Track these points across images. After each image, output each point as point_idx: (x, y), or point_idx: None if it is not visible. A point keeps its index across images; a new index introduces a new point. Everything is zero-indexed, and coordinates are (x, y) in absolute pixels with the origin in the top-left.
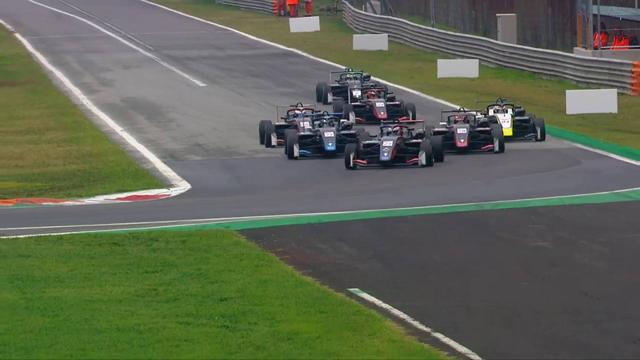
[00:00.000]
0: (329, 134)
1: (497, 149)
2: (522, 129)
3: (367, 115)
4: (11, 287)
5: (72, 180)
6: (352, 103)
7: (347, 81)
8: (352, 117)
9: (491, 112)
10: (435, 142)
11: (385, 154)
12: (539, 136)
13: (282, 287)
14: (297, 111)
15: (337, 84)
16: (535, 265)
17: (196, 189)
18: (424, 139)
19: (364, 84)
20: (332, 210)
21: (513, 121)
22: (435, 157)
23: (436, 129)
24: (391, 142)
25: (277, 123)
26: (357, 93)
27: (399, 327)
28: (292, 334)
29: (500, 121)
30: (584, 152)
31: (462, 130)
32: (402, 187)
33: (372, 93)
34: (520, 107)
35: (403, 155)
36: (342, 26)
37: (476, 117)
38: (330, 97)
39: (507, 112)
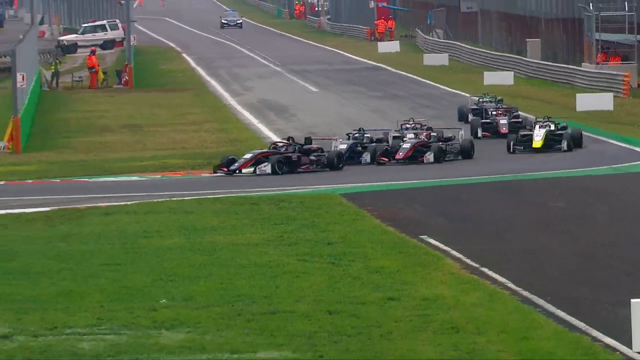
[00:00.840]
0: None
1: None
2: (554, 141)
3: (493, 130)
4: (179, 234)
5: None
6: (482, 121)
7: (484, 104)
8: (479, 132)
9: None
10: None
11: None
12: (565, 147)
13: (372, 235)
14: (407, 125)
15: (475, 106)
16: (554, 220)
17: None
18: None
19: (497, 106)
20: (407, 180)
21: (545, 136)
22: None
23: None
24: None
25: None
26: (503, 121)
27: (456, 263)
28: (379, 268)
29: (534, 135)
30: (588, 138)
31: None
32: (453, 169)
33: (500, 112)
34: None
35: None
36: (415, 48)
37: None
38: (470, 117)
39: (546, 127)
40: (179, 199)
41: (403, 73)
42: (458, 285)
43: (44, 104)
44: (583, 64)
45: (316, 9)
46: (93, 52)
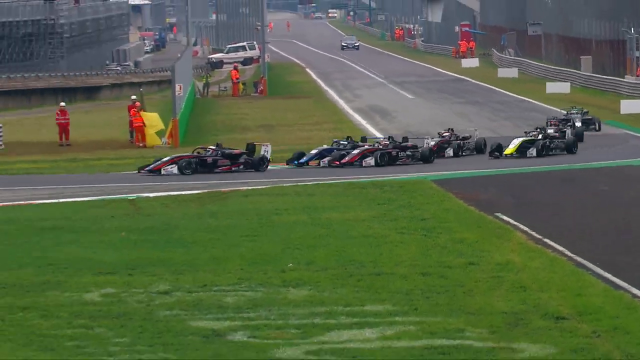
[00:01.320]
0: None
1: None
2: (588, 124)
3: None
4: (303, 212)
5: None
6: None
7: (571, 115)
8: None
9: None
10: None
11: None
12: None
13: (456, 213)
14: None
15: (564, 117)
16: (601, 201)
17: None
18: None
19: (583, 117)
20: (484, 169)
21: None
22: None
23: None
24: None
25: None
26: (578, 123)
27: (523, 235)
28: (462, 239)
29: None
30: (630, 135)
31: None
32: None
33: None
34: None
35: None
36: (491, 64)
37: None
38: None
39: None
40: (303, 184)
41: (481, 83)
42: (525, 253)
43: (197, 109)
44: (626, 76)
45: (412, 32)
46: (235, 68)
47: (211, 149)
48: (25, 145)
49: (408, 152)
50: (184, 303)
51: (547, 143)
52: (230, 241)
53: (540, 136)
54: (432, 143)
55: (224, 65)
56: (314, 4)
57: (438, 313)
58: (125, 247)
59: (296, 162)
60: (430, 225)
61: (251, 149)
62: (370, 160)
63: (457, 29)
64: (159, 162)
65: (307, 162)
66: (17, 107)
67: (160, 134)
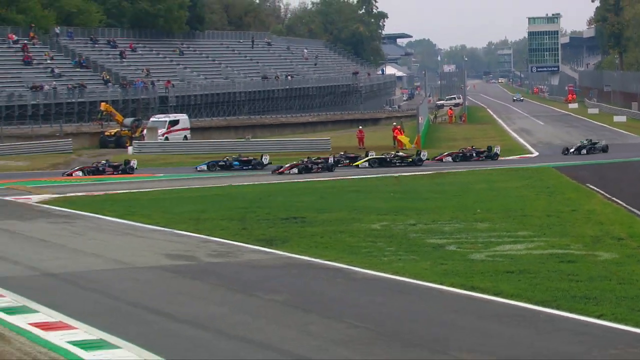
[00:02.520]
0: None
1: None
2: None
3: None
4: (484, 183)
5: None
6: None
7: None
8: None
9: None
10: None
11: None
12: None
13: (565, 183)
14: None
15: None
16: None
17: (540, 155)
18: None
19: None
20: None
21: None
22: None
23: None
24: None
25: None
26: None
27: (601, 196)
28: (568, 198)
29: None
30: None
31: None
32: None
33: None
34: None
35: None
36: (584, 106)
37: None
38: None
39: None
40: (483, 168)
41: (578, 116)
42: (602, 205)
43: (430, 129)
44: None
45: (542, 89)
46: (450, 108)
47: (392, 153)
48: (339, 148)
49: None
50: (423, 230)
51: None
52: (446, 198)
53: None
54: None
55: (444, 107)
56: (491, 74)
57: (555, 235)
58: (392, 200)
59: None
60: (551, 190)
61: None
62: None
63: (566, 87)
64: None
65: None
66: (338, 129)
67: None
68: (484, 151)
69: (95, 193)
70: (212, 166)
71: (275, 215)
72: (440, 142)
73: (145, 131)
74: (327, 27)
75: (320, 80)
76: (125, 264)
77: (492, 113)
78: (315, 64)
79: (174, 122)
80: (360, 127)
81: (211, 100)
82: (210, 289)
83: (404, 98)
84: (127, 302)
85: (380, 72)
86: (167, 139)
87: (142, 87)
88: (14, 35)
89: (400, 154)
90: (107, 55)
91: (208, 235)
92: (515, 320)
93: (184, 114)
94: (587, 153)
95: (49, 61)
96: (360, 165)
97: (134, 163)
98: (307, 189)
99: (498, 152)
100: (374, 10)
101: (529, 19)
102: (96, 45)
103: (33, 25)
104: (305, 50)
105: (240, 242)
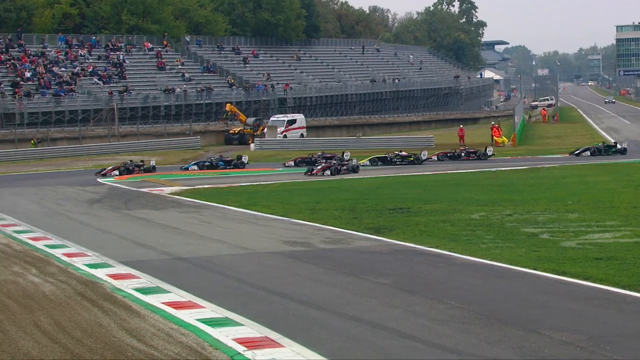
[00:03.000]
0: None
1: None
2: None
3: None
4: (575, 177)
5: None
6: None
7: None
8: None
9: None
10: None
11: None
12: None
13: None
14: None
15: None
16: None
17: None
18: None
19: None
20: None
21: None
22: None
23: None
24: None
25: None
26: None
27: None
28: None
29: None
30: None
31: None
32: None
33: None
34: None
35: None
36: None
37: None
38: None
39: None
40: (575, 164)
41: None
42: None
43: (525, 128)
44: None
45: (629, 91)
46: (543, 108)
47: (395, 153)
48: (441, 145)
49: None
50: (518, 220)
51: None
52: (540, 190)
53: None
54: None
55: (538, 108)
56: (581, 78)
57: None
58: (491, 192)
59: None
60: (637, 184)
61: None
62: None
63: None
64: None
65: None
66: (440, 127)
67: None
68: (475, 151)
69: (221, 185)
70: (202, 165)
71: (383, 205)
72: (534, 139)
73: (265, 129)
74: (431, 35)
75: (424, 83)
76: (248, 249)
77: (582, 113)
78: (420, 69)
79: (292, 122)
80: (461, 125)
81: (325, 102)
82: (324, 272)
83: (501, 99)
84: (249, 283)
85: (479, 75)
86: (285, 136)
87: (263, 90)
88: (149, 44)
89: (402, 153)
90: (232, 61)
91: (322, 224)
92: (603, 302)
93: (301, 114)
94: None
95: (180, 66)
96: (362, 164)
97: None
98: (411, 182)
99: (489, 153)
100: (474, 20)
101: (617, 27)
102: (222, 52)
103: (166, 34)
104: (411, 56)
105: (351, 230)
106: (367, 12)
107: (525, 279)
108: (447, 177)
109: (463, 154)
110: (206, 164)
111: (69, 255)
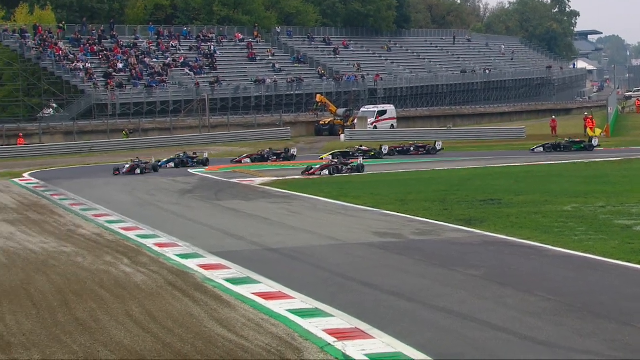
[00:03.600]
0: None
1: None
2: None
3: None
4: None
5: None
6: None
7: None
8: None
9: None
10: None
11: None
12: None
13: None
14: None
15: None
16: None
17: None
18: None
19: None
20: None
21: None
22: None
23: None
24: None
25: None
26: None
27: None
28: None
29: None
30: None
31: None
32: None
33: None
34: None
35: None
36: None
37: None
38: None
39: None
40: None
41: None
42: None
43: (619, 119)
44: None
45: None
46: (638, 99)
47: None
48: (532, 137)
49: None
50: (611, 212)
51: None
52: (634, 182)
53: None
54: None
55: (632, 98)
56: None
57: None
58: (583, 184)
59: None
60: None
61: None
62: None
63: None
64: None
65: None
66: (532, 118)
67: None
68: (424, 146)
69: (311, 177)
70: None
71: (474, 197)
72: (628, 130)
73: (356, 120)
74: (523, 25)
75: (516, 74)
76: (337, 240)
77: None
78: (512, 59)
79: (382, 112)
80: (553, 116)
81: (415, 92)
82: (414, 263)
83: (594, 90)
84: (339, 274)
85: (572, 66)
86: (375, 127)
87: (353, 81)
88: (240, 34)
89: (363, 148)
90: (322, 52)
91: (413, 215)
92: None
93: (391, 105)
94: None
95: (270, 57)
96: (324, 158)
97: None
98: (502, 173)
99: (438, 148)
100: (567, 9)
101: None
102: (312, 43)
103: (257, 25)
104: (503, 46)
105: (442, 221)
106: (459, 2)
107: (618, 271)
108: (539, 169)
109: (412, 149)
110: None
111: (160, 245)
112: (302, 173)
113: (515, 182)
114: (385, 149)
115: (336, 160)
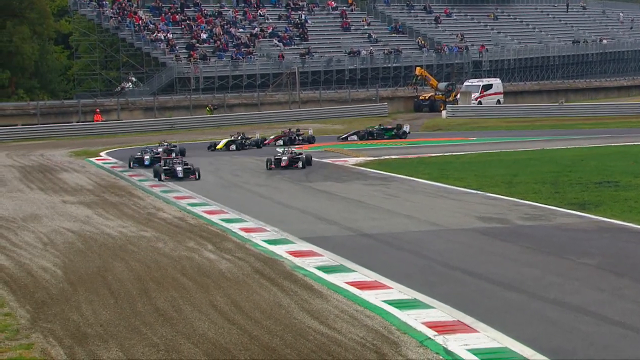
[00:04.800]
0: None
1: None
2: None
3: None
4: None
5: None
6: None
7: None
8: None
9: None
10: None
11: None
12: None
13: None
14: None
15: None
16: None
17: None
18: None
19: None
20: None
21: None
22: None
23: None
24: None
25: None
26: None
27: None
28: None
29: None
30: None
31: None
32: None
33: None
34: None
35: None
36: None
37: None
38: None
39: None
40: None
41: None
42: None
43: None
44: None
45: None
46: None
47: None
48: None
49: None
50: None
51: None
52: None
53: None
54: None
55: None
56: None
57: None
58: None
59: None
60: None
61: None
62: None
63: None
64: None
65: None
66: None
67: None
68: (392, 128)
69: (409, 156)
70: (362, 135)
71: (588, 179)
72: None
73: (458, 95)
74: None
75: (635, 44)
76: (438, 225)
77: None
78: (631, 28)
79: (487, 87)
80: None
81: (524, 65)
82: (521, 251)
83: None
84: (440, 262)
85: None
86: (480, 103)
87: (456, 52)
88: (333, 2)
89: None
90: (423, 21)
91: (520, 199)
92: None
93: (497, 78)
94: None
95: (366, 27)
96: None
97: (406, 127)
98: (621, 153)
99: (407, 131)
100: None
101: None
102: (412, 11)
103: None
104: (621, 14)
105: (553, 205)
106: None
107: None
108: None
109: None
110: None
111: (246, 230)
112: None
113: (634, 163)
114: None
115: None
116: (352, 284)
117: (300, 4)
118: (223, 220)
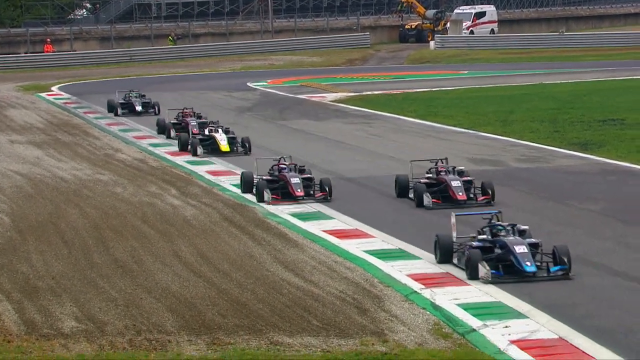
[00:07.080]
0: None
1: None
2: None
3: None
4: None
5: None
6: None
7: None
8: None
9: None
10: None
11: None
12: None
13: None
14: None
15: None
16: None
17: None
18: None
19: None
20: None
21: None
22: None
23: None
24: None
25: None
26: None
27: None
28: None
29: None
30: None
31: None
32: None
33: None
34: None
35: None
36: None
37: None
38: None
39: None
40: None
41: None
42: None
43: None
44: None
45: None
46: None
47: None
48: None
49: None
50: None
51: None
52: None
53: None
54: None
55: None
56: None
57: None
58: None
59: None
60: None
61: None
62: None
63: None
64: None
65: None
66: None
67: None
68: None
69: (394, 91)
70: None
71: (591, 116)
72: None
73: (448, 24)
74: None
75: None
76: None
77: None
78: None
79: (480, 15)
80: None
81: None
82: (518, 195)
83: None
84: (428, 209)
85: None
86: (472, 32)
87: None
88: None
89: None
90: None
91: (516, 138)
92: None
93: (491, 5)
94: None
95: None
96: None
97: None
98: (628, 87)
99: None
100: None
101: None
102: None
103: None
104: None
105: (552, 146)
106: None
107: None
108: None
109: None
110: None
111: (213, 173)
112: None
113: None
114: None
115: None
116: (331, 232)
117: None
118: (188, 162)
